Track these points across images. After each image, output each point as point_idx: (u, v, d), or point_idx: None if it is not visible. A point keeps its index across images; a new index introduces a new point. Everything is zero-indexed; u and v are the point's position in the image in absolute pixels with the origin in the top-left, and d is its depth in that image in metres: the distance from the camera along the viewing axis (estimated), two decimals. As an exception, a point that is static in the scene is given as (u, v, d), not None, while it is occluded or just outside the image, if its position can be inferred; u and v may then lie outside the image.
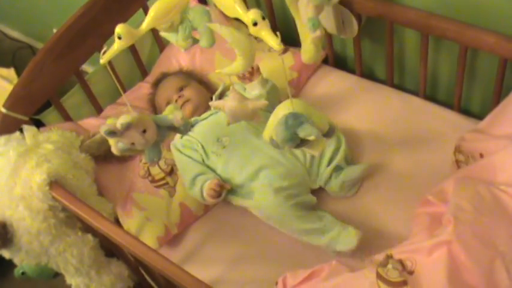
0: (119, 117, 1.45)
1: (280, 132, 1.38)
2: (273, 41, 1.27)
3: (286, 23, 2.19)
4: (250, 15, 1.28)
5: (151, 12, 1.42)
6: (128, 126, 1.41)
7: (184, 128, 1.53)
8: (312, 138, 1.35)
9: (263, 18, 1.28)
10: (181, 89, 2.01)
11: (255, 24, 1.28)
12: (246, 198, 1.79)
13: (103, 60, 1.42)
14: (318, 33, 1.62)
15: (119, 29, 1.40)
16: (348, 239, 1.64)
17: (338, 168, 1.80)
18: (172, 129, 1.52)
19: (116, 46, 1.41)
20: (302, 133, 1.36)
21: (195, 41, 1.54)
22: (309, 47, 1.72)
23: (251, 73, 1.94)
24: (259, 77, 1.94)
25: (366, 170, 1.80)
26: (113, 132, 1.42)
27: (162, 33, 1.59)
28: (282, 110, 1.41)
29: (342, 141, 1.82)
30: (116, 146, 1.50)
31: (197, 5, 1.57)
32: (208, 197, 1.76)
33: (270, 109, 1.92)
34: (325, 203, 1.82)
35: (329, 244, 1.65)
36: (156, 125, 1.48)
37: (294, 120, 1.38)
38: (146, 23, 1.43)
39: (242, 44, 1.46)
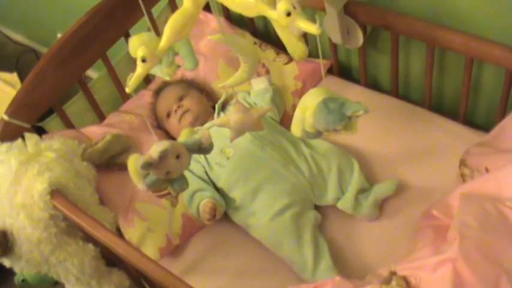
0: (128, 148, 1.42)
1: (323, 118, 1.38)
2: (311, 27, 1.25)
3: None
4: (282, 7, 1.25)
5: (167, 29, 1.40)
6: (165, 154, 1.37)
7: (210, 147, 1.49)
8: (360, 113, 1.37)
9: (294, 7, 1.25)
10: (181, 98, 2.00)
11: (288, 14, 1.25)
12: (247, 217, 1.78)
13: (129, 88, 1.39)
14: None
15: (143, 51, 1.36)
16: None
17: (361, 191, 1.77)
18: (197, 150, 1.48)
19: (141, 70, 1.38)
20: (350, 111, 1.37)
21: (178, 67, 1.54)
22: (296, 44, 1.71)
23: (260, 70, 1.95)
24: (266, 75, 1.96)
25: (397, 185, 1.77)
26: (149, 164, 1.37)
27: None
28: (310, 99, 1.43)
29: (354, 163, 1.81)
30: (142, 181, 1.44)
31: None
32: (204, 220, 1.75)
33: (273, 116, 1.93)
34: (328, 221, 1.81)
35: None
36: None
37: (333, 102, 1.39)
38: (164, 41, 1.40)
39: (247, 51, 1.45)
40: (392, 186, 1.75)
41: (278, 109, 1.98)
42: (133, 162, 1.43)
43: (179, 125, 1.96)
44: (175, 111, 1.97)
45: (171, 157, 1.39)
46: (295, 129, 1.48)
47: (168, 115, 2.00)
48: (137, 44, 1.49)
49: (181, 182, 1.48)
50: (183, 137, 1.48)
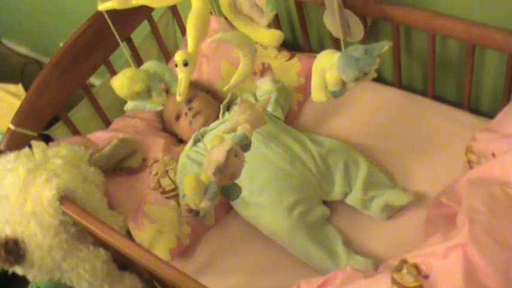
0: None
1: (354, 66, 1.46)
2: None
3: (292, 30, 2.18)
4: None
5: (191, 32, 1.38)
6: (229, 154, 1.34)
7: (250, 142, 1.45)
8: (386, 48, 1.48)
9: None
10: (189, 100, 1.99)
11: None
12: (256, 215, 1.78)
13: (181, 97, 1.37)
14: (275, 11, 1.66)
15: (183, 56, 1.33)
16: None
17: (373, 187, 1.77)
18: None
19: (186, 74, 1.35)
20: (376, 51, 1.47)
21: (167, 93, 1.55)
22: (268, 33, 1.73)
23: (262, 71, 1.94)
24: (271, 74, 1.94)
25: (412, 201, 1.74)
26: (218, 168, 1.33)
27: (130, 106, 1.59)
28: (325, 60, 1.52)
29: (361, 159, 1.81)
30: (205, 197, 1.38)
31: (150, 62, 1.60)
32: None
33: (278, 115, 1.93)
34: (336, 215, 1.81)
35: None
36: None
37: (355, 50, 1.48)
38: (192, 45, 1.39)
39: (246, 44, 1.45)
40: (406, 198, 1.73)
41: (282, 109, 1.97)
42: (192, 180, 1.36)
43: (190, 127, 1.96)
44: (186, 114, 1.97)
45: (232, 157, 1.35)
46: (318, 94, 1.52)
47: (178, 117, 2.00)
48: (125, 82, 1.50)
49: (237, 187, 1.46)
50: (216, 143, 1.41)
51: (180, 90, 1.35)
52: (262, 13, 1.72)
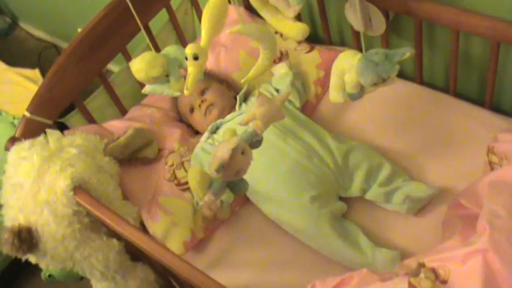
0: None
1: (373, 71, 1.44)
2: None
3: (312, 22, 2.15)
4: None
5: (205, 25, 1.36)
6: (235, 151, 1.31)
7: (262, 138, 1.43)
8: (407, 55, 1.46)
9: None
10: (203, 92, 1.97)
11: None
12: (276, 210, 1.76)
13: (189, 91, 1.34)
14: (302, 4, 1.64)
15: (194, 49, 1.31)
16: (384, 262, 1.62)
17: (394, 182, 1.74)
18: (250, 145, 1.41)
19: (195, 68, 1.33)
20: (397, 57, 1.45)
21: (184, 79, 1.53)
22: (294, 25, 1.71)
23: (280, 58, 1.92)
24: (287, 60, 1.96)
25: (434, 195, 1.71)
26: (222, 166, 1.32)
27: (147, 89, 1.57)
28: (345, 61, 1.50)
29: (385, 164, 1.77)
30: (208, 192, 1.37)
31: (171, 46, 1.57)
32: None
33: (293, 100, 1.91)
34: (353, 210, 1.79)
35: (365, 266, 1.62)
36: None
37: (376, 54, 1.45)
38: (205, 38, 1.36)
39: (266, 37, 1.43)
40: (428, 191, 1.70)
41: (299, 94, 1.95)
42: (197, 174, 1.36)
43: (205, 120, 1.94)
44: (200, 106, 1.95)
45: (238, 154, 1.33)
46: (335, 95, 1.51)
47: (192, 110, 1.98)
48: (143, 66, 1.48)
49: (243, 183, 1.44)
50: (228, 136, 1.40)
51: (188, 83, 1.33)
52: (288, 5, 1.70)
